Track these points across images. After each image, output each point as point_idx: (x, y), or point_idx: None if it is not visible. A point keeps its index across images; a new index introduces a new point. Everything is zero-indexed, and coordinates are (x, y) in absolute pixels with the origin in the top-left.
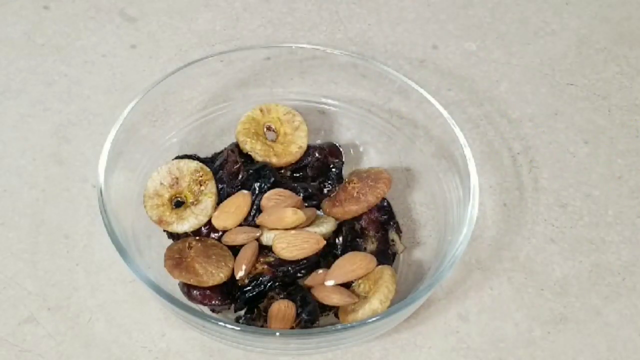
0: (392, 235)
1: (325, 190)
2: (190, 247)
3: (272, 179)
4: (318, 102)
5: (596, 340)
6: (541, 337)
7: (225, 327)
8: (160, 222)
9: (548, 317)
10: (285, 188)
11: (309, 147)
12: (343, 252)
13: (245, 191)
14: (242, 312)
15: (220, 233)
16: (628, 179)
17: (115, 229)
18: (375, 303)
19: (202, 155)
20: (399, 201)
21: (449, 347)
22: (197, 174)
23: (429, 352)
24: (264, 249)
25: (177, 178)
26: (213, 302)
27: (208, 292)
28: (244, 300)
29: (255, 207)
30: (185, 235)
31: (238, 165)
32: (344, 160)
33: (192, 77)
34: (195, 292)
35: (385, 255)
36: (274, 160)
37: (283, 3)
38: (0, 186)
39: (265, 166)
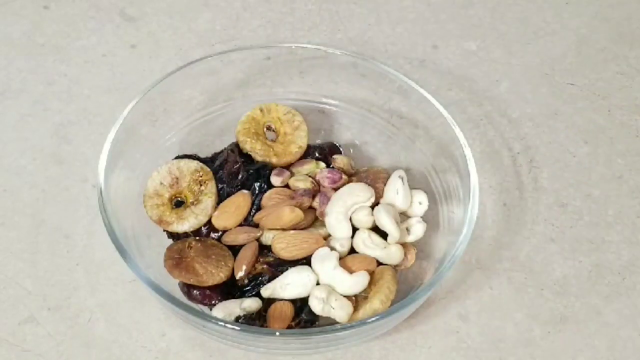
0: None
1: None
2: (190, 247)
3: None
4: (318, 101)
5: (596, 340)
6: (541, 337)
7: (225, 327)
8: (160, 222)
9: (548, 317)
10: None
11: (309, 147)
12: None
13: (245, 191)
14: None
15: (220, 233)
16: (628, 179)
17: (115, 229)
18: (376, 303)
19: (202, 155)
20: None
21: (449, 347)
22: (197, 174)
23: (429, 351)
24: (264, 249)
25: (177, 178)
26: (213, 302)
27: (208, 292)
28: None
29: (255, 207)
30: (185, 235)
31: (238, 165)
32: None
33: (192, 77)
34: (195, 292)
35: None
36: (274, 160)
37: (283, 3)
38: (0, 186)
39: (265, 166)
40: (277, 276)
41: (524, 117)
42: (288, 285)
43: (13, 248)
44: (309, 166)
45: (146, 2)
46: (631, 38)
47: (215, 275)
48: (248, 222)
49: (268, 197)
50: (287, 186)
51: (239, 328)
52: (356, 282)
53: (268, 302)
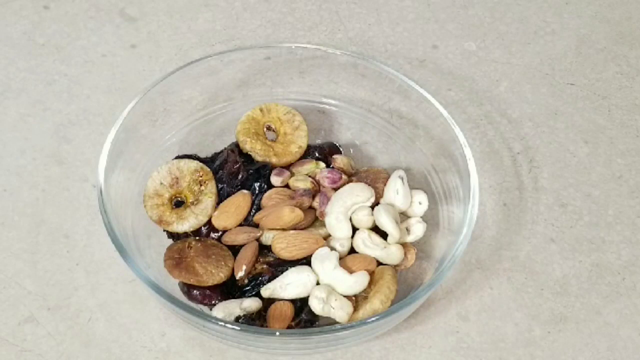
0: None
1: None
2: (190, 247)
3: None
4: (318, 102)
5: (596, 340)
6: (541, 337)
7: (225, 327)
8: (160, 222)
9: (548, 317)
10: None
11: (309, 147)
12: None
13: (245, 191)
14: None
15: (220, 233)
16: (628, 179)
17: (115, 229)
18: (376, 303)
19: (202, 155)
20: None
21: (449, 347)
22: (197, 174)
23: (429, 351)
24: (264, 249)
25: (177, 178)
26: (213, 302)
27: (208, 292)
28: None
29: (255, 207)
30: (185, 235)
31: (238, 165)
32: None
33: (192, 77)
34: (195, 292)
35: None
36: (274, 160)
37: (283, 3)
38: (0, 186)
39: (265, 166)
40: (277, 276)
41: (524, 117)
42: (288, 285)
43: (13, 248)
44: (309, 166)
45: (146, 2)
46: (631, 38)
47: (215, 275)
48: (248, 222)
49: (268, 197)
50: (287, 186)
51: (239, 328)
52: (356, 282)
53: (268, 302)
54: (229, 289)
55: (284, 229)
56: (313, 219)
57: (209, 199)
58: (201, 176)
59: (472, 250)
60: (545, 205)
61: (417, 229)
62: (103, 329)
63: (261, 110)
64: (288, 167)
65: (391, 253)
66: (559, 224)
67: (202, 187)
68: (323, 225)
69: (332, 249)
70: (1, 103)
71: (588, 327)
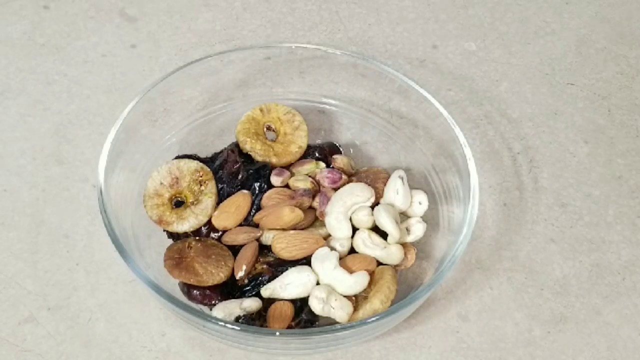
0: None
1: None
2: (190, 247)
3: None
4: (318, 101)
5: (596, 340)
6: (541, 337)
7: (225, 327)
8: (160, 222)
9: (548, 317)
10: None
11: (309, 147)
12: None
13: (245, 191)
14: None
15: (220, 233)
16: (628, 179)
17: (115, 229)
18: (376, 303)
19: (202, 155)
20: None
21: (449, 347)
22: (197, 174)
23: (429, 351)
24: (264, 249)
25: (177, 178)
26: (213, 302)
27: (208, 292)
28: None
29: (255, 207)
30: (185, 235)
31: (238, 165)
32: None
33: (192, 77)
34: (195, 292)
35: None
36: (274, 160)
37: (283, 3)
38: (0, 186)
39: (265, 166)
40: (277, 276)
41: (524, 117)
42: (288, 285)
43: (13, 248)
44: (309, 166)
45: (146, 2)
46: (631, 38)
47: (215, 275)
48: (248, 222)
49: (268, 197)
50: (287, 186)
51: (239, 328)
52: (356, 282)
53: (268, 302)
54: (229, 289)
55: (284, 229)
56: (313, 219)
57: (209, 199)
58: (201, 176)
59: (472, 250)
60: (545, 205)
61: (417, 229)
62: (103, 329)
63: (261, 110)
64: (288, 167)
65: (391, 253)
66: (559, 224)
67: (202, 187)
68: (323, 225)
69: (332, 249)
70: (1, 103)
71: (588, 327)
